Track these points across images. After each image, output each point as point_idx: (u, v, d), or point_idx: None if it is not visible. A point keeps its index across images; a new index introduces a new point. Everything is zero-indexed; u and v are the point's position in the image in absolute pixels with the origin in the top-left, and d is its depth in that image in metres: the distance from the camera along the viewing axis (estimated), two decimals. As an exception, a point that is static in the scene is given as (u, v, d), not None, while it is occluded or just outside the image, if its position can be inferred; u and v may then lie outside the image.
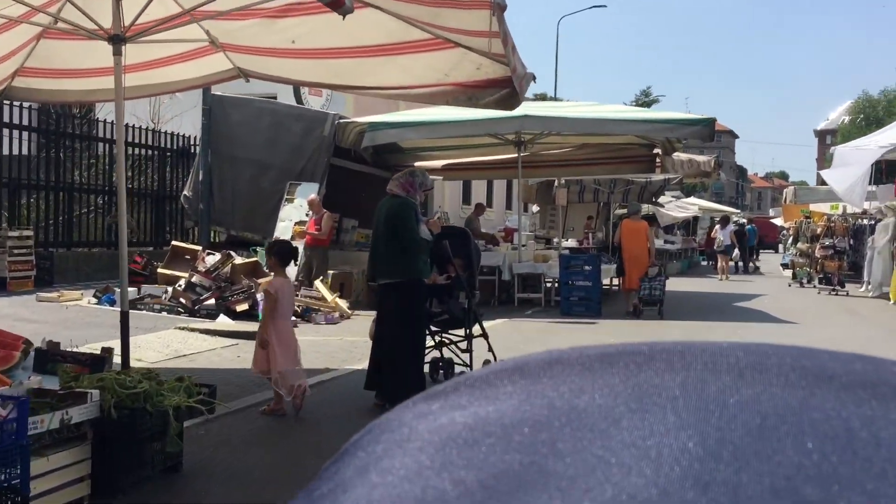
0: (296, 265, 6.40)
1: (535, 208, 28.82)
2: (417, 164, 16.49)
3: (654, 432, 0.32)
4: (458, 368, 7.00)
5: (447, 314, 6.44)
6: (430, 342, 6.85)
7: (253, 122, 14.33)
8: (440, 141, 15.85)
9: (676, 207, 34.84)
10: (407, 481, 0.33)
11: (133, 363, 8.09)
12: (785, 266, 26.27)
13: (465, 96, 7.34)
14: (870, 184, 17.01)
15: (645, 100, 67.38)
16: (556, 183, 18.02)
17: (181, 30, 7.14)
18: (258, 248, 13.97)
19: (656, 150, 15.22)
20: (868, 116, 68.67)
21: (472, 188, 30.59)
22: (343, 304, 12.36)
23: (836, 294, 18.01)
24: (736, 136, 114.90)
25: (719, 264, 23.87)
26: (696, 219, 37.89)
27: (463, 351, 6.75)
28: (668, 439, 0.32)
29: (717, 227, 25.53)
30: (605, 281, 17.45)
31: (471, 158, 16.39)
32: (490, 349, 6.96)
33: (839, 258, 18.12)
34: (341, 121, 13.06)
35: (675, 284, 21.07)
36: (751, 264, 28.61)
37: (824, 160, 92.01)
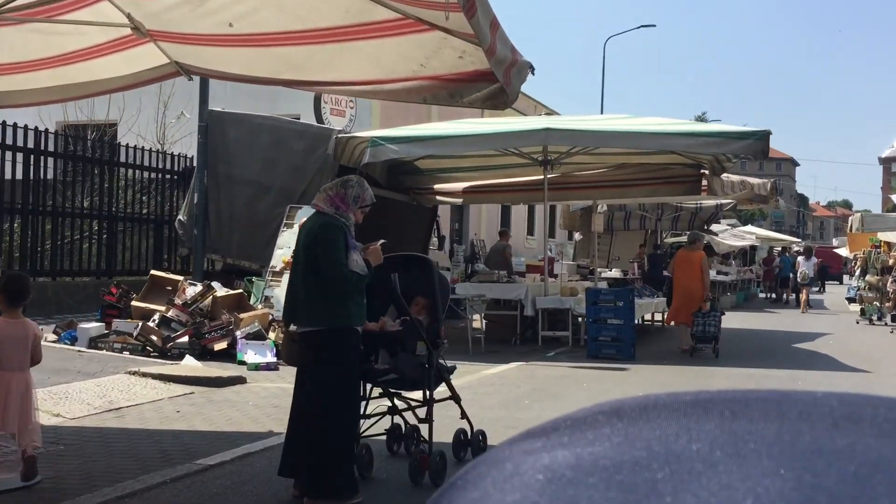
0: (24, 303, 4.93)
1: (577, 235, 26.98)
2: (437, 186, 14.97)
3: (750, 476, 0.33)
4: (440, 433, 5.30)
5: (395, 373, 4.75)
6: (383, 405, 5.18)
7: (252, 139, 12.94)
8: (461, 161, 14.27)
9: (732, 236, 32.59)
10: None
11: (50, 419, 6.66)
12: (851, 300, 23.85)
13: (445, 91, 5.75)
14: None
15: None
16: (594, 208, 16.22)
17: (91, 9, 5.74)
18: (255, 279, 12.52)
19: (704, 171, 13.40)
20: (937, 142, 65.05)
21: (511, 214, 28.86)
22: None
23: (912, 333, 15.82)
24: (796, 164, 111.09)
25: (802, 297, 23.37)
26: (753, 248, 35.51)
27: (421, 420, 5.05)
28: (765, 483, 0.32)
29: (801, 258, 24.40)
30: (648, 316, 15.58)
31: (496, 181, 14.74)
32: (464, 416, 5.27)
33: (915, 293, 15.94)
34: (340, 136, 11.55)
35: (729, 319, 19.03)
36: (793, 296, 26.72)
37: (890, 188, 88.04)
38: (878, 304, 18.18)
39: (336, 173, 12.62)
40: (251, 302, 11.83)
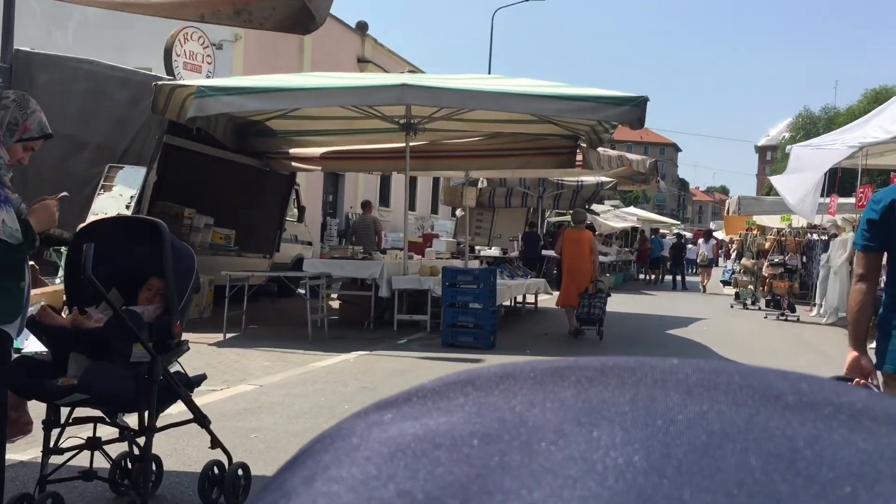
0: None
1: (459, 212, 25.72)
2: (293, 150, 13.29)
3: (600, 446, 0.33)
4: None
5: (84, 389, 3.15)
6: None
7: (65, 86, 10.91)
8: (318, 123, 12.64)
9: (615, 217, 32.14)
10: (352, 491, 0.32)
11: None
12: (726, 283, 23.55)
13: (231, 7, 4.18)
14: (822, 195, 14.26)
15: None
16: (466, 181, 14.90)
17: None
18: (63, 249, 10.59)
19: (581, 143, 12.24)
20: (808, 133, 67.36)
21: (391, 186, 27.30)
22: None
23: (786, 319, 15.20)
24: (679, 150, 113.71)
25: (702, 279, 23.73)
26: (635, 230, 35.21)
27: (135, 458, 3.49)
28: (614, 453, 0.32)
29: (701, 241, 24.45)
30: (522, 298, 14.41)
31: (357, 147, 13.18)
32: (216, 444, 3.74)
33: (790, 278, 15.33)
34: (161, 84, 9.71)
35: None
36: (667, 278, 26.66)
37: (765, 175, 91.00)
38: (752, 288, 17.63)
39: (166, 129, 10.81)
40: (59, 276, 9.95)
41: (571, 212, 15.41)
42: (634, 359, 0.39)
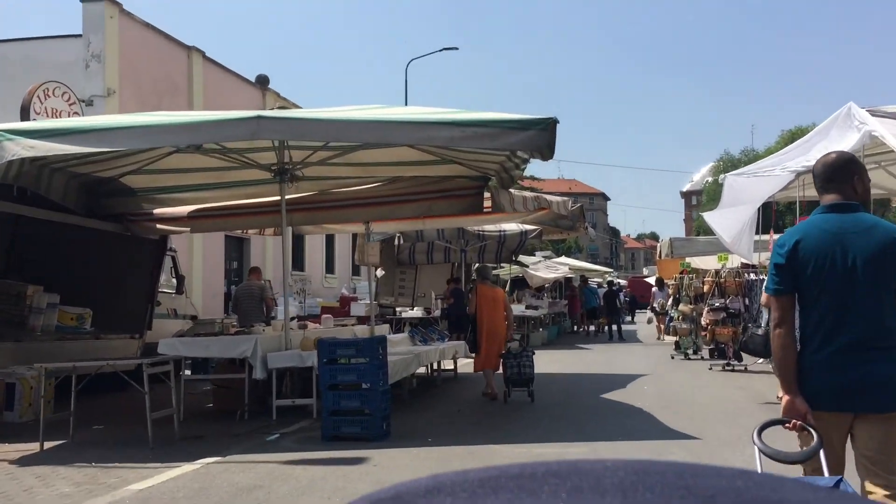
0: None
1: (379, 271, 23.74)
2: (158, 210, 11.22)
3: None
4: None
5: None
6: None
7: None
8: (183, 177, 10.66)
9: (545, 268, 30.59)
10: None
11: None
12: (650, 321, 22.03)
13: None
14: (758, 231, 12.79)
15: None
16: (366, 235, 13.00)
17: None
18: None
19: (491, 183, 10.52)
20: (730, 175, 67.51)
21: (305, 247, 25.19)
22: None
23: (733, 370, 13.54)
24: (607, 199, 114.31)
25: (658, 325, 21.98)
26: (568, 280, 33.72)
27: None
28: None
29: (655, 289, 22.61)
30: (447, 363, 12.44)
31: (230, 203, 11.20)
32: None
33: (733, 323, 13.72)
34: (-55, 128, 7.62)
35: (537, 360, 16.29)
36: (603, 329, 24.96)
37: (692, 220, 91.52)
38: (692, 336, 16.01)
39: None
40: None
41: (475, 267, 13.69)
42: (566, 462, 0.37)
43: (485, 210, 10.73)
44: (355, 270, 28.67)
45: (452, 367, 13.09)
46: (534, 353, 10.45)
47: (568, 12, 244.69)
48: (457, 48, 30.98)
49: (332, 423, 7.40)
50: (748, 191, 11.93)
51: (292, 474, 6.13)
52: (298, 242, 24.70)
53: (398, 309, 20.66)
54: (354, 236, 26.27)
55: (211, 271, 19.47)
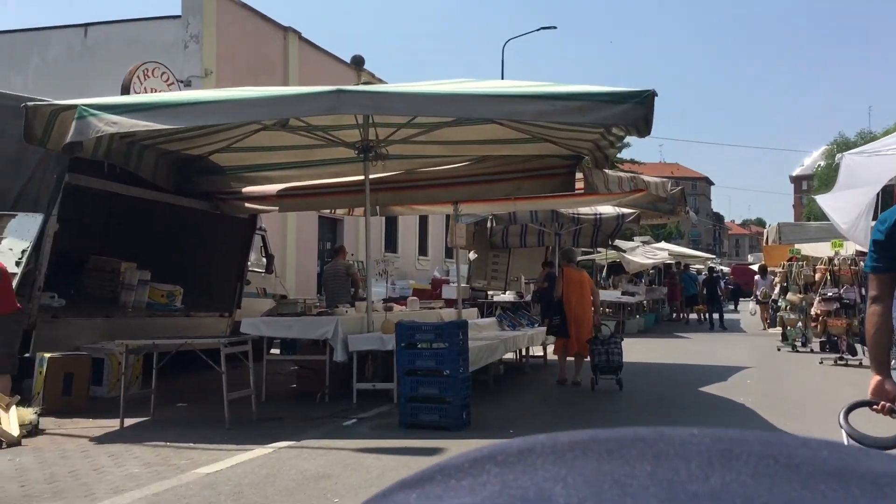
0: None
1: (471, 254, 23.44)
2: (247, 189, 11.16)
3: None
4: None
5: None
6: None
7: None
8: (269, 155, 10.54)
9: (643, 253, 29.55)
10: None
11: None
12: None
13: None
14: (875, 217, 11.74)
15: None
16: (454, 216, 12.63)
17: None
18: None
19: (586, 163, 9.97)
20: (845, 159, 63.87)
21: (397, 228, 25.08)
22: (17, 419, 6.85)
23: (846, 364, 12.56)
24: (711, 183, 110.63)
25: (762, 315, 21.11)
26: (668, 266, 32.56)
27: None
28: None
29: (758, 277, 21.93)
30: (536, 349, 11.98)
31: (316, 181, 11.01)
32: None
33: (847, 315, 12.72)
34: (31, 104, 7.61)
35: (631, 348, 15.62)
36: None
37: (801, 205, 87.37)
38: (801, 326, 14.99)
39: (67, 165, 8.75)
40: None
41: (560, 250, 13.19)
42: (654, 429, 0.38)
43: (577, 191, 10.19)
44: (448, 253, 28.39)
45: (542, 353, 12.62)
46: (622, 340, 10.08)
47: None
48: (555, 27, 30.17)
49: (410, 410, 7.07)
50: (868, 171, 10.96)
51: (363, 464, 5.83)
52: (391, 224, 24.62)
53: (490, 293, 20.27)
54: (448, 218, 26.05)
55: (304, 251, 19.54)
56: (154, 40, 16.14)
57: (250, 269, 12.80)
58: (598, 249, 26.58)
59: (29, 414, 7.07)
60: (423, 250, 27.06)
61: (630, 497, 0.33)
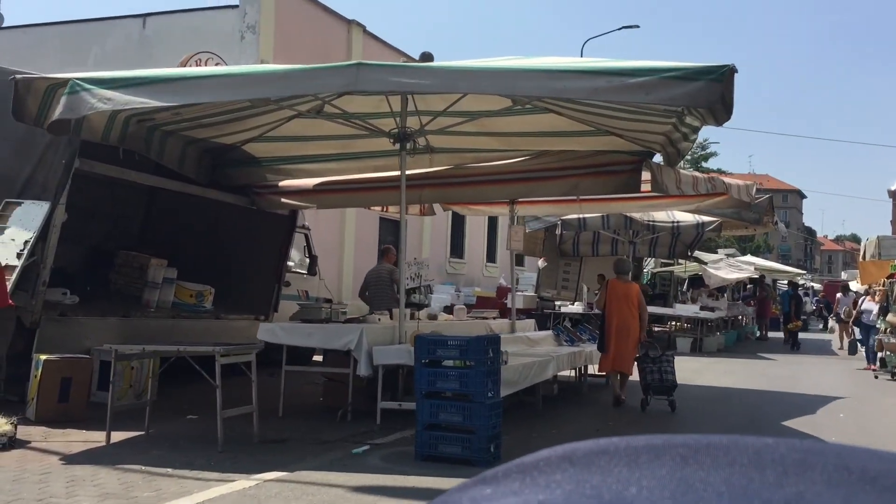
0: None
1: (541, 262, 22.19)
2: (283, 183, 10.28)
3: None
4: None
5: None
6: None
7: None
8: (306, 146, 9.62)
9: (728, 266, 27.61)
10: None
11: None
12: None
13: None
14: None
15: (702, 153, 59.74)
16: (512, 219, 11.43)
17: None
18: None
19: (657, 158, 8.71)
20: (950, 173, 59.76)
21: (465, 232, 23.97)
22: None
23: (958, 399, 10.85)
24: (804, 196, 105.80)
25: (840, 334, 20.46)
26: (760, 279, 30.30)
27: None
28: None
29: (840, 294, 21.36)
30: (591, 368, 10.71)
31: (356, 176, 10.01)
32: None
33: (961, 341, 10.98)
34: (20, 76, 6.80)
35: (708, 368, 14.13)
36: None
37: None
38: (904, 352, 13.21)
39: (77, 149, 7.98)
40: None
41: (614, 260, 12.02)
42: (729, 437, 0.37)
43: (643, 192, 8.91)
44: (519, 260, 27.13)
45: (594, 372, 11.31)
46: (674, 357, 9.45)
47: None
48: (637, 26, 28.63)
49: (428, 440, 5.94)
50: None
51: (355, 507, 4.75)
52: (458, 226, 23.55)
53: (557, 303, 18.98)
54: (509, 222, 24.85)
55: (363, 253, 18.64)
56: (212, 30, 15.53)
57: (292, 269, 11.91)
58: (679, 261, 24.96)
59: (4, 424, 6.25)
60: (491, 256, 25.88)
61: (704, 501, 0.32)
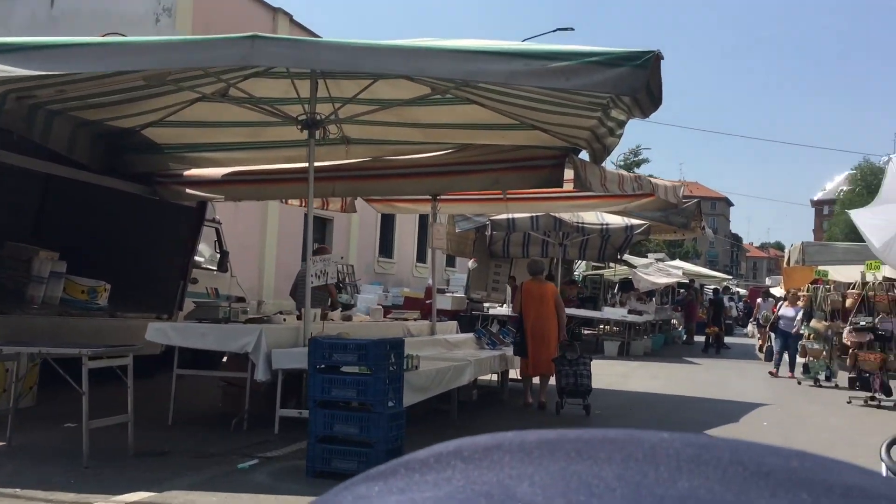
0: None
1: (471, 263, 21.70)
2: (189, 172, 9.53)
3: None
4: None
5: None
6: None
7: None
8: (214, 132, 8.91)
9: (657, 271, 27.63)
10: None
11: None
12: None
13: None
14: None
15: (634, 159, 60.32)
16: (433, 216, 10.87)
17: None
18: None
19: (582, 154, 8.27)
20: (869, 185, 61.63)
21: (395, 227, 23.36)
22: None
23: (879, 405, 10.69)
24: (731, 204, 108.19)
25: (763, 343, 19.77)
26: (689, 284, 30.53)
27: None
28: None
29: (759, 300, 21.38)
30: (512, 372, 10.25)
31: (264, 167, 9.33)
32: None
33: (882, 348, 10.86)
34: None
35: (633, 373, 13.84)
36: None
37: (822, 230, 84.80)
38: (826, 358, 13.11)
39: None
40: None
41: (527, 261, 11.74)
42: (624, 431, 0.37)
43: (570, 191, 8.47)
44: (450, 261, 26.64)
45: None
46: (591, 360, 9.17)
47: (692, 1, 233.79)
48: (572, 29, 28.41)
49: (322, 454, 5.33)
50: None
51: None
52: (387, 226, 22.95)
53: (486, 305, 18.55)
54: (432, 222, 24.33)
55: (286, 251, 17.87)
56: (125, 12, 14.61)
57: (201, 266, 11.14)
58: (610, 265, 24.83)
59: None
60: (421, 257, 25.32)
61: (596, 498, 0.32)
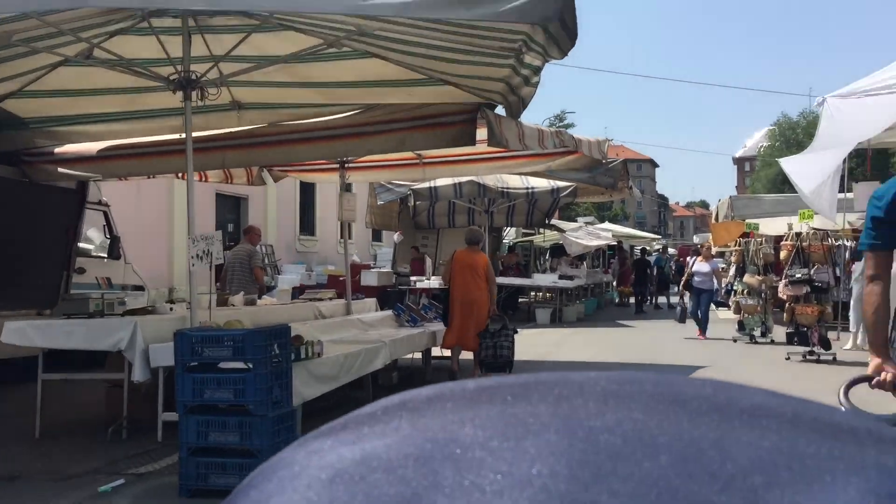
0: None
1: (397, 237, 20.82)
2: (60, 149, 8.40)
3: (525, 458, 0.34)
4: None
5: None
6: None
7: None
8: (86, 102, 7.81)
9: (587, 234, 27.23)
10: None
11: None
12: (719, 304, 18.51)
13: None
14: (842, 190, 9.56)
15: (560, 124, 60.06)
16: (343, 186, 9.94)
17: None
18: None
19: (498, 109, 7.44)
20: (788, 140, 62.80)
21: (315, 204, 22.26)
22: None
23: (818, 360, 10.28)
24: (656, 165, 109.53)
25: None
26: (613, 248, 30.47)
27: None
28: (538, 464, 0.33)
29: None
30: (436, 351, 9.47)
31: (150, 139, 8.25)
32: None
33: (819, 300, 10.43)
34: None
35: (565, 339, 13.23)
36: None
37: (744, 187, 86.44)
38: (761, 314, 12.71)
39: None
40: None
41: (466, 230, 11.08)
42: (557, 373, 0.40)
43: (490, 151, 7.68)
44: (376, 235, 25.69)
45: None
46: (515, 332, 8.97)
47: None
48: None
49: (196, 469, 4.43)
50: (850, 123, 8.64)
51: None
52: (308, 201, 21.85)
53: (413, 279, 17.73)
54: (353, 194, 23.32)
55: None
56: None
57: (90, 254, 10.02)
58: (539, 230, 24.31)
59: None
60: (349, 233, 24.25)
61: (532, 434, 0.34)
